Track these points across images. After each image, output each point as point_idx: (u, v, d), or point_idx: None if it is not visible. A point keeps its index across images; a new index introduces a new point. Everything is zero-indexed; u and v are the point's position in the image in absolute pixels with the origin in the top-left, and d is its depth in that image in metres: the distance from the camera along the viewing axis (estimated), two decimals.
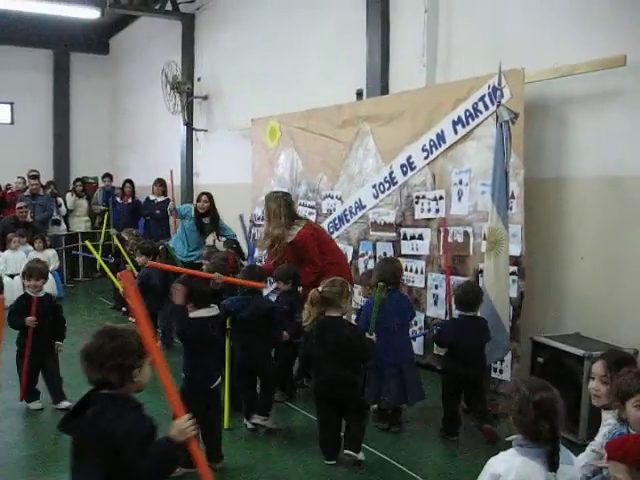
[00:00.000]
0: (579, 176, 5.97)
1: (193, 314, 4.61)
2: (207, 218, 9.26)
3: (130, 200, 12.48)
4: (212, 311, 4.75)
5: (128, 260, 8.79)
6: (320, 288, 4.84)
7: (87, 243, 9.15)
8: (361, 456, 4.78)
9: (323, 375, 4.83)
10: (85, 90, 16.87)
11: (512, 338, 5.81)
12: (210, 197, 9.36)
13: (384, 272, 5.52)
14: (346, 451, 4.78)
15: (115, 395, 2.66)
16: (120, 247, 9.40)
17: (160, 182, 11.16)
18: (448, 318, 6.22)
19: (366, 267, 7.43)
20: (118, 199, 12.85)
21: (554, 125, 6.15)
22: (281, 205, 6.38)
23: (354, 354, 4.79)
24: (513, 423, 2.75)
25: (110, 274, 7.70)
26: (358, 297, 7.08)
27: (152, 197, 11.46)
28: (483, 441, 5.15)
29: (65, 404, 5.73)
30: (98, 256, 8.63)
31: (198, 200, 9.42)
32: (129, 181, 12.84)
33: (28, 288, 5.86)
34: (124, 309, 9.60)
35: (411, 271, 7.08)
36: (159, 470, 2.65)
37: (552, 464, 2.62)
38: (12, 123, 16.37)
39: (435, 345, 6.43)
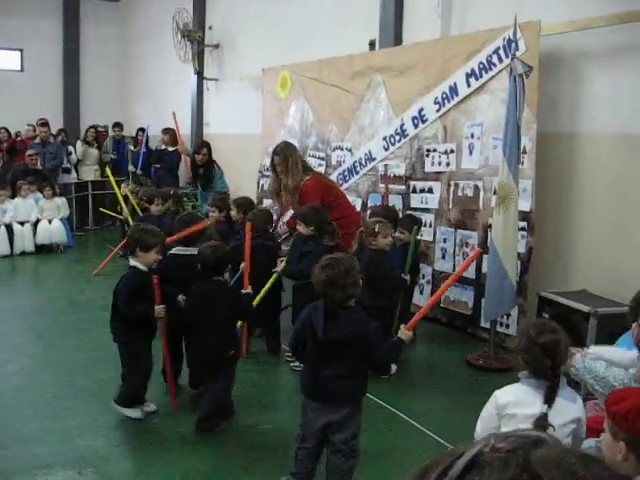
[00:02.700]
0: (593, 132, 5.91)
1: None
2: (202, 169, 9.28)
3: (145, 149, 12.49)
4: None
5: (137, 210, 8.86)
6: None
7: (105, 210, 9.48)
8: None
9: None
10: (95, 37, 16.62)
11: (519, 293, 5.83)
12: (209, 150, 9.50)
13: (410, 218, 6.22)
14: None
15: (351, 306, 3.49)
16: (131, 198, 9.44)
17: (169, 131, 11.12)
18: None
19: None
20: (131, 147, 12.84)
21: (569, 80, 6.06)
22: (298, 158, 6.40)
23: (383, 283, 5.24)
24: (521, 360, 2.97)
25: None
26: None
27: (162, 146, 11.42)
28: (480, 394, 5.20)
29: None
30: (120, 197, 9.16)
31: (197, 152, 9.43)
32: (142, 129, 12.83)
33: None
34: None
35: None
36: (393, 354, 3.71)
37: (548, 398, 2.82)
38: (22, 70, 16.21)
39: None
